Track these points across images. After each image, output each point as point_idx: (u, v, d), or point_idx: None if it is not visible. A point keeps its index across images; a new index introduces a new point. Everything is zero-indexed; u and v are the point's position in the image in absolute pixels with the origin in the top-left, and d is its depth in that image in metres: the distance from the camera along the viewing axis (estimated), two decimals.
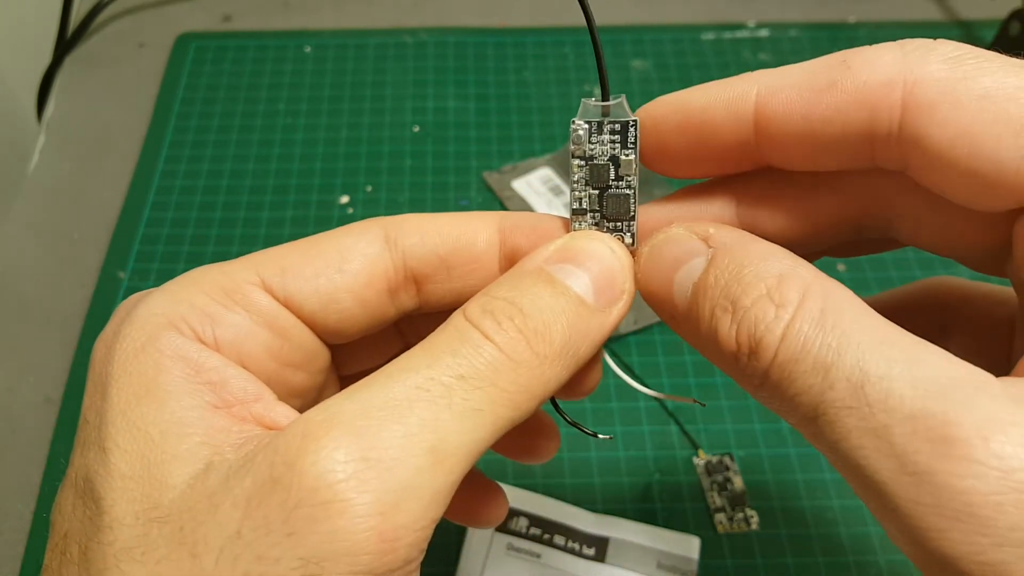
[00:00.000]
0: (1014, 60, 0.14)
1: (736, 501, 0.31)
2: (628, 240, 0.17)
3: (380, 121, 0.44)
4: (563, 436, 0.33)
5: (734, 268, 0.14)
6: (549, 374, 0.15)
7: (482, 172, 0.42)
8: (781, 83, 0.15)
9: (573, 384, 0.18)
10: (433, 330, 0.15)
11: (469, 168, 0.42)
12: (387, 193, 0.41)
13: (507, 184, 0.41)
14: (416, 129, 0.44)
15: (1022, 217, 0.14)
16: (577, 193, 0.17)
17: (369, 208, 0.41)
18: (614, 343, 0.36)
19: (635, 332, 0.36)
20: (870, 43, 0.49)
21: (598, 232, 0.17)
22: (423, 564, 0.32)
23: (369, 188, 0.41)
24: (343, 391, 0.14)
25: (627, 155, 0.17)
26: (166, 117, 0.44)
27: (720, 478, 0.32)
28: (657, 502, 0.31)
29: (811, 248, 0.17)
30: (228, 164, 0.42)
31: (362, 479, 0.13)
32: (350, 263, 0.17)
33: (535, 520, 0.30)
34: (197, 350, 0.15)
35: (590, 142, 0.17)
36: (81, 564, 0.14)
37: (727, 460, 0.32)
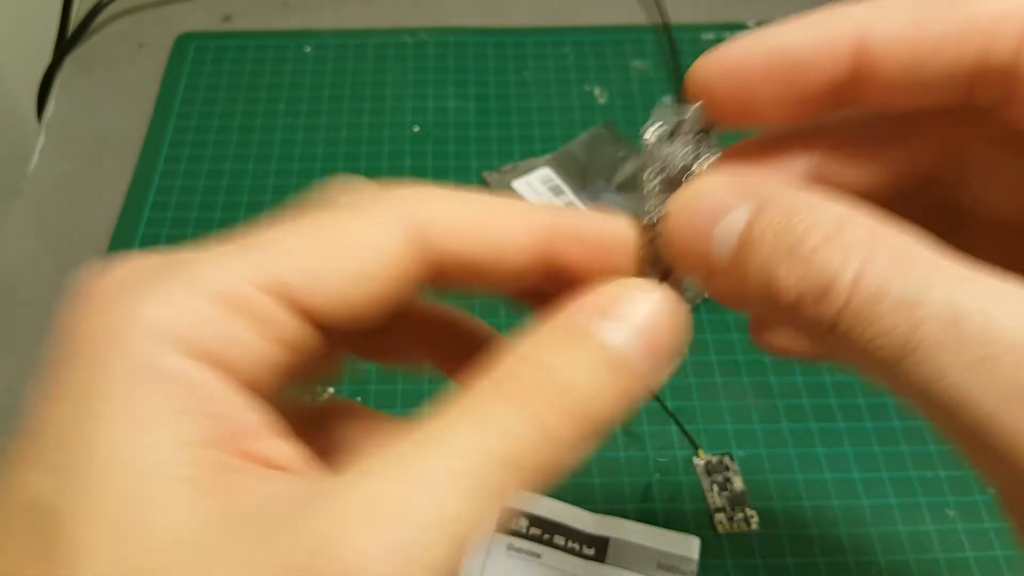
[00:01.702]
0: None
1: (736, 501, 0.31)
2: None
3: (380, 121, 0.44)
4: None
5: (784, 217, 0.13)
6: (581, 452, 0.13)
7: (482, 172, 0.42)
8: (883, 14, 0.14)
9: None
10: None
11: (469, 168, 0.42)
12: None
13: (507, 184, 0.41)
14: (416, 129, 0.44)
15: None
16: (649, 206, 0.16)
17: None
18: None
19: None
20: None
21: (650, 285, 0.15)
22: None
23: None
24: (382, 453, 0.13)
25: (702, 167, 0.16)
26: (166, 117, 0.44)
27: (720, 478, 0.32)
28: (657, 502, 0.32)
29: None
30: (228, 164, 0.42)
31: (384, 562, 0.11)
32: (374, 267, 0.14)
33: (535, 520, 0.30)
34: (199, 374, 0.13)
35: (663, 150, 0.16)
36: None
37: (727, 460, 0.32)
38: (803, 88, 0.15)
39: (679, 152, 0.16)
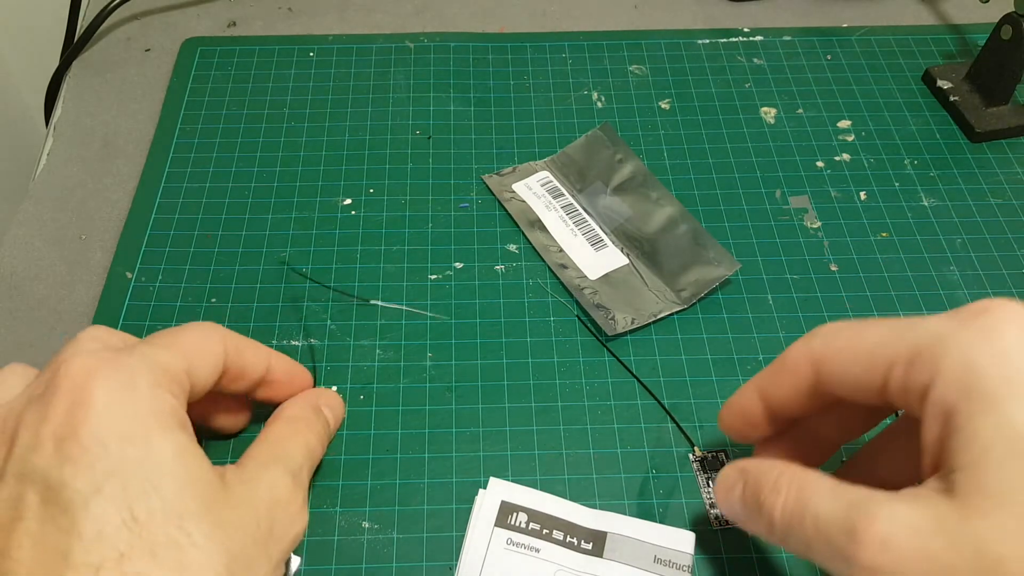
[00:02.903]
0: (852, 323, 0.26)
1: None
2: None
3: (382, 125, 0.45)
4: (563, 435, 0.34)
5: (756, 483, 0.25)
6: (322, 448, 0.31)
7: (482, 175, 0.43)
8: (834, 347, 0.26)
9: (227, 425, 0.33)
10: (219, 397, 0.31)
11: (469, 171, 0.43)
12: (389, 195, 0.42)
13: (507, 186, 0.42)
14: (418, 133, 0.45)
15: (884, 394, 0.24)
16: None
17: (371, 209, 0.41)
18: (611, 342, 0.37)
19: (632, 331, 0.37)
20: (862, 48, 0.49)
21: (328, 390, 0.34)
22: (425, 559, 0.33)
23: (371, 190, 0.42)
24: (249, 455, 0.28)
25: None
26: (172, 121, 0.45)
27: (715, 474, 0.32)
28: (654, 497, 0.32)
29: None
30: (233, 167, 0.43)
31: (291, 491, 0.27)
32: (214, 358, 0.28)
33: (534, 515, 0.31)
34: (178, 405, 0.25)
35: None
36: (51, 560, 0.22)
37: (722, 456, 0.33)
38: (784, 416, 0.28)
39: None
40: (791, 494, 0.23)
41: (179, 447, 0.24)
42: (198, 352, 0.27)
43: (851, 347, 0.24)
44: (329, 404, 0.32)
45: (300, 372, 0.32)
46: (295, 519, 0.26)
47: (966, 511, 0.20)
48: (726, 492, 0.27)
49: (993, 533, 0.19)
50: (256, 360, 0.30)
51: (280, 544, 0.25)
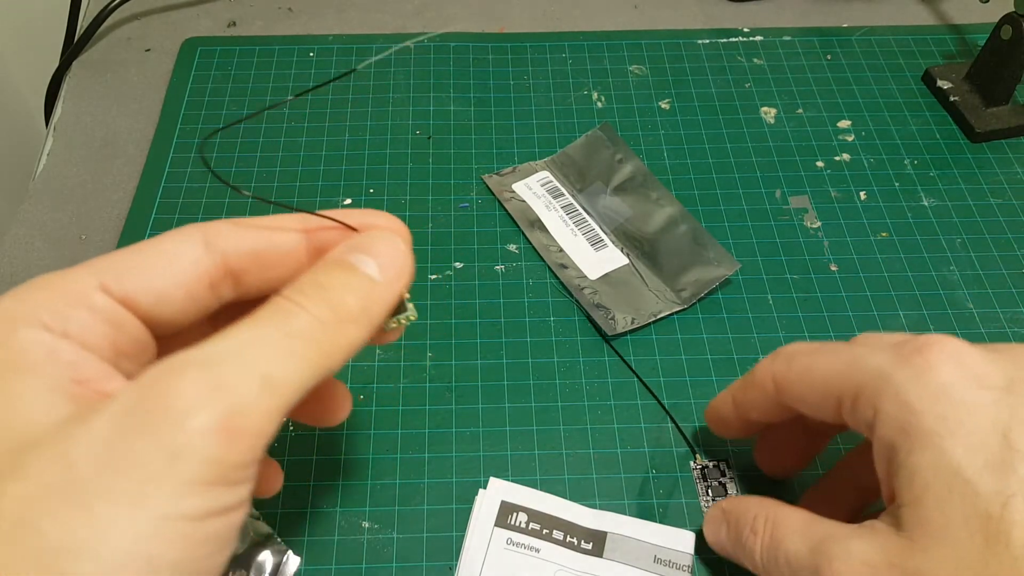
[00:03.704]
0: (814, 346, 0.27)
1: None
2: None
3: (383, 125, 0.45)
4: (563, 435, 0.34)
5: (737, 524, 0.27)
6: (351, 333, 0.20)
7: (482, 175, 0.43)
8: (786, 368, 0.28)
9: (322, 415, 0.26)
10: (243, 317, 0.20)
11: (470, 171, 0.43)
12: (389, 195, 0.42)
13: (507, 186, 0.42)
14: (418, 133, 0.45)
15: (841, 415, 0.26)
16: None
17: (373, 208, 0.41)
18: (613, 341, 0.37)
19: (632, 331, 0.37)
20: (862, 49, 0.50)
21: (380, 230, 0.22)
22: (425, 559, 0.33)
23: (372, 190, 0.42)
24: (192, 346, 0.18)
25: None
26: (172, 120, 0.45)
27: (715, 483, 0.32)
28: (654, 497, 0.32)
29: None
30: (233, 167, 0.43)
31: (212, 396, 0.17)
32: (178, 264, 0.21)
33: (534, 515, 0.31)
34: (51, 338, 0.18)
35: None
36: None
37: (723, 466, 0.33)
38: (756, 416, 0.29)
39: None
40: (767, 534, 0.25)
41: None
42: (141, 259, 0.20)
43: (806, 376, 0.26)
44: (372, 249, 0.21)
45: (380, 219, 0.23)
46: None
47: (910, 545, 0.22)
48: (714, 533, 0.29)
49: (932, 566, 0.21)
50: (283, 224, 0.22)
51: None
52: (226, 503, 0.17)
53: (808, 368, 0.26)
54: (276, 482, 0.27)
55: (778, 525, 0.25)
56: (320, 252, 0.22)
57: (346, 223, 0.23)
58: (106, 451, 0.16)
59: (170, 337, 0.22)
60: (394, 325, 0.22)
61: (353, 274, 0.21)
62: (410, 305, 0.22)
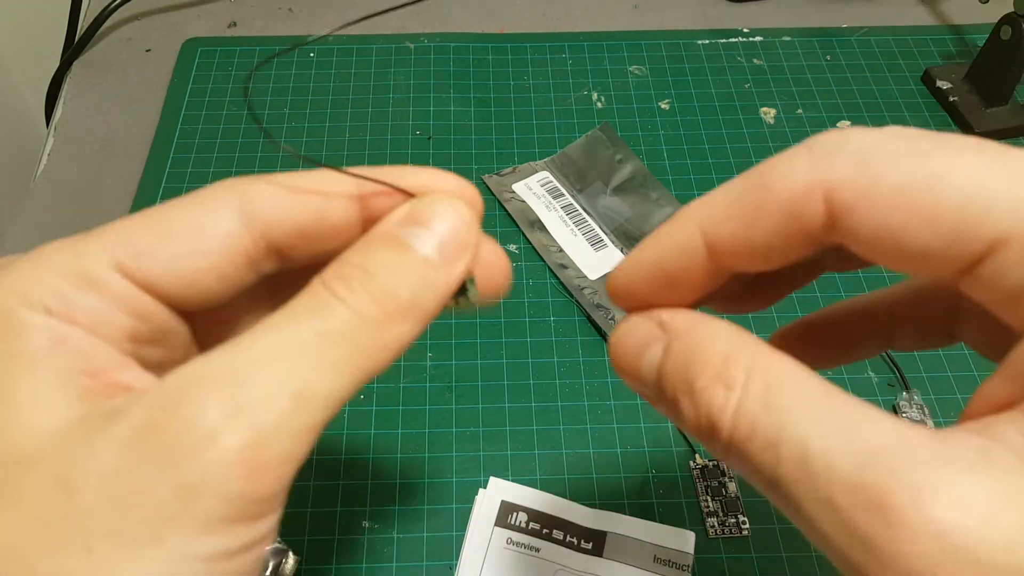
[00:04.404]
0: (922, 144, 0.15)
1: (729, 507, 0.32)
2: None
3: (383, 125, 0.45)
4: (563, 434, 0.34)
5: (687, 353, 0.16)
6: (399, 329, 0.16)
7: (482, 175, 0.43)
8: (717, 218, 0.16)
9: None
10: (298, 284, 0.17)
11: (470, 171, 0.43)
12: None
13: (507, 186, 0.42)
14: (418, 133, 0.45)
15: (963, 279, 0.14)
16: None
17: None
18: None
19: None
20: (862, 49, 0.50)
21: (443, 196, 0.18)
22: (425, 559, 0.33)
23: None
24: (214, 350, 0.15)
25: None
26: (173, 121, 0.45)
27: (715, 483, 0.32)
28: (654, 497, 0.32)
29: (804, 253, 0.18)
30: (234, 167, 0.43)
31: (234, 419, 0.14)
32: (209, 242, 0.17)
33: (534, 515, 0.31)
34: (57, 323, 0.16)
35: None
36: None
37: (723, 466, 0.33)
38: (685, 283, 0.17)
39: None
40: (752, 398, 0.15)
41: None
42: (163, 234, 0.17)
43: (921, 208, 0.14)
44: (430, 220, 0.17)
45: (446, 182, 0.19)
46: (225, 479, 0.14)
47: None
48: (632, 356, 0.17)
49: None
50: (334, 189, 0.18)
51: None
52: (249, 540, 0.15)
53: (924, 195, 0.14)
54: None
55: (778, 387, 0.15)
56: (375, 221, 0.18)
57: (401, 188, 0.18)
58: (113, 481, 0.14)
59: (206, 313, 0.18)
60: (452, 306, 0.18)
61: (405, 254, 0.17)
62: (472, 287, 0.18)
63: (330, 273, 0.17)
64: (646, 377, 0.17)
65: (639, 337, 0.17)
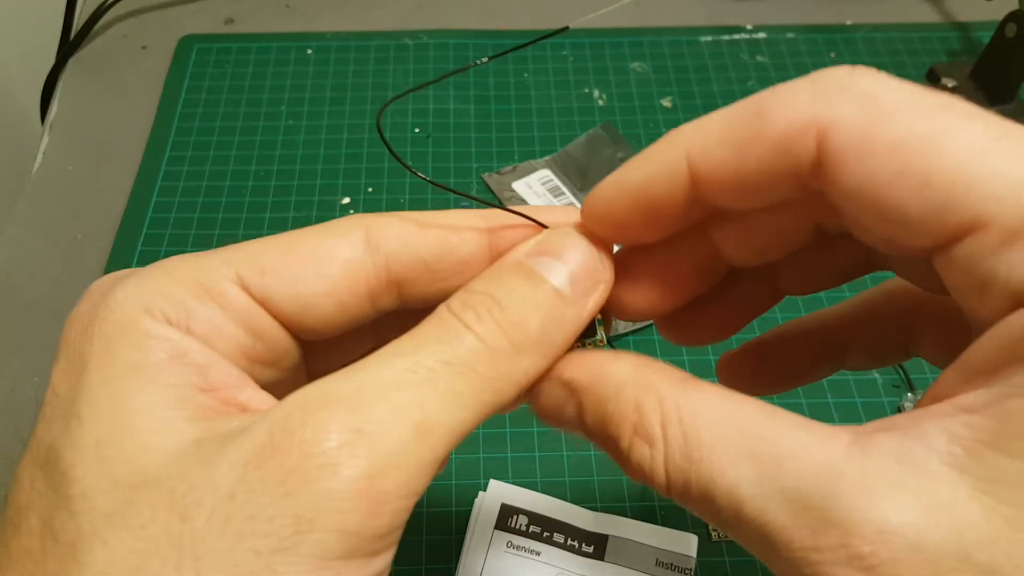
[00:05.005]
0: (930, 100, 0.14)
1: None
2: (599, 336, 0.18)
3: (382, 122, 0.45)
4: (563, 437, 0.33)
5: (599, 408, 0.16)
6: (527, 363, 0.16)
7: (482, 174, 0.42)
8: (707, 143, 0.16)
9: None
10: (409, 327, 0.16)
11: (469, 170, 0.43)
12: (388, 194, 0.42)
13: (507, 185, 0.42)
14: (417, 131, 0.44)
15: (937, 255, 0.14)
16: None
17: (371, 209, 0.41)
18: (615, 342, 0.36)
19: (633, 332, 0.37)
20: (867, 46, 0.49)
21: (575, 229, 0.17)
22: (424, 563, 0.33)
23: (370, 189, 0.42)
24: (338, 372, 0.15)
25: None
26: (169, 119, 0.44)
27: None
28: (655, 500, 0.32)
29: (786, 249, 0.17)
30: (231, 165, 0.43)
31: (354, 448, 0.14)
32: (331, 267, 0.17)
33: (535, 518, 0.31)
34: (178, 335, 0.15)
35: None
36: (43, 536, 0.14)
37: None
38: (663, 211, 0.16)
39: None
40: (675, 449, 0.15)
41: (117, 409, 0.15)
42: (287, 254, 0.17)
43: (913, 169, 0.13)
44: (563, 252, 0.17)
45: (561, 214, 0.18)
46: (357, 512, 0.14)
47: None
48: (555, 418, 0.17)
49: None
50: (462, 222, 0.18)
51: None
52: None
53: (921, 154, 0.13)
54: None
55: (695, 438, 0.14)
56: (500, 257, 0.18)
57: (537, 220, 0.18)
58: (228, 506, 0.13)
59: (320, 342, 0.18)
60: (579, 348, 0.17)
61: (537, 286, 0.16)
62: (600, 328, 0.17)
63: (457, 301, 0.16)
64: (579, 435, 0.17)
65: (552, 401, 0.17)
